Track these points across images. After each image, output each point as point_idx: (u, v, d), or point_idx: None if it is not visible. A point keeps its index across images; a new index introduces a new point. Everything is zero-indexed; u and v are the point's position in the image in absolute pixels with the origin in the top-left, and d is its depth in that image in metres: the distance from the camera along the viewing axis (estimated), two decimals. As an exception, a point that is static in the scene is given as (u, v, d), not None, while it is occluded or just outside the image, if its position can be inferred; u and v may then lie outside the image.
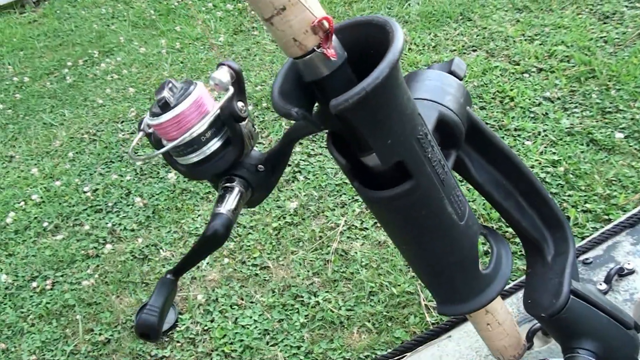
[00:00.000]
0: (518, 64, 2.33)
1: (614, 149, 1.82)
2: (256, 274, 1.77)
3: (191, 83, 0.59)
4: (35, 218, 2.26)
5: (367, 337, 1.51)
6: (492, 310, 0.76)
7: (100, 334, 1.71)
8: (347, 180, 1.90)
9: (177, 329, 1.66)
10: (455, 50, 2.54)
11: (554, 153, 1.87)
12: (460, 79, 0.71)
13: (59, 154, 2.65)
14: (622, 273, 1.02)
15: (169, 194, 2.18)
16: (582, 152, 1.84)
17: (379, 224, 1.76)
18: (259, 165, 0.63)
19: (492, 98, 2.18)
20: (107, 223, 2.13)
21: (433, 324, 1.47)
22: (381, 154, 0.56)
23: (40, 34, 4.01)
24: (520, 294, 1.05)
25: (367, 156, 0.58)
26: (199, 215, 2.06)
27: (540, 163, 1.84)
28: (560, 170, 1.79)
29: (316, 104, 0.60)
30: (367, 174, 0.61)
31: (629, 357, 0.76)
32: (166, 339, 1.66)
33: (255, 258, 1.82)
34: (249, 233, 1.91)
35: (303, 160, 2.16)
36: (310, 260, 1.76)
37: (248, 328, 1.61)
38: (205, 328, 1.65)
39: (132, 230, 2.08)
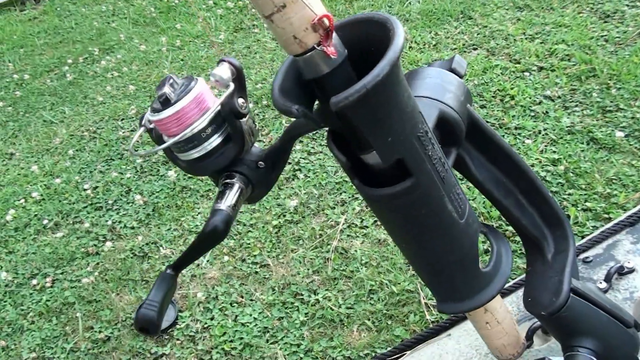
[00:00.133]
0: (519, 63, 2.33)
1: (614, 148, 1.82)
2: (256, 272, 1.77)
3: (192, 79, 0.59)
4: (35, 215, 2.26)
5: (367, 335, 1.51)
6: (491, 309, 0.76)
7: (100, 332, 1.72)
8: (347, 179, 1.90)
9: (177, 326, 1.66)
10: (455, 48, 2.54)
11: (555, 152, 1.86)
12: (461, 77, 0.71)
13: (59, 151, 2.65)
14: (622, 272, 1.02)
15: (169, 192, 2.18)
16: (583, 150, 1.84)
17: (379, 222, 1.76)
18: (259, 162, 0.63)
19: (493, 96, 2.18)
20: (107, 221, 2.13)
21: (433, 322, 1.47)
22: (381, 152, 0.56)
23: (41, 31, 4.01)
24: (520, 292, 1.05)
25: (367, 154, 0.58)
26: (199, 213, 2.06)
27: (540, 162, 1.84)
28: (560, 169, 1.78)
29: (316, 102, 0.60)
30: (367, 171, 0.61)
31: (629, 356, 0.77)
32: (166, 337, 1.66)
33: (255, 256, 1.82)
34: (249, 231, 1.91)
35: (303, 158, 2.15)
36: (310, 258, 1.76)
37: (248, 326, 1.61)
38: (205, 326, 1.65)
39: (132, 227, 2.08)
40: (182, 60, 3.12)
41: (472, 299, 0.68)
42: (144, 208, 2.14)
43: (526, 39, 2.45)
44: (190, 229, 2.00)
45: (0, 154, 2.75)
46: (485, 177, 0.72)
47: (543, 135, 1.95)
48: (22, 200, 2.35)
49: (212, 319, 1.66)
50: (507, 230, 1.61)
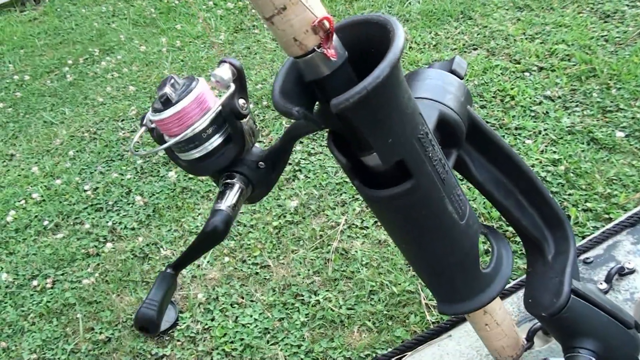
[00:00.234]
0: (519, 63, 2.33)
1: (614, 148, 1.82)
2: (257, 273, 1.77)
3: (193, 79, 0.59)
4: (36, 216, 2.26)
5: (367, 336, 1.51)
6: (490, 310, 0.76)
7: (100, 333, 1.72)
8: (347, 179, 1.90)
9: (178, 327, 1.66)
10: (456, 48, 2.54)
11: (555, 152, 1.86)
12: (461, 78, 0.71)
13: (59, 152, 2.65)
14: (623, 272, 1.02)
15: (170, 193, 2.18)
16: (583, 151, 1.84)
17: (379, 223, 1.76)
18: (260, 162, 0.63)
19: (493, 97, 2.18)
20: (107, 222, 2.13)
21: (433, 322, 1.47)
22: (382, 154, 0.56)
23: (41, 32, 4.01)
24: (520, 293, 1.05)
25: (368, 156, 0.58)
26: (199, 214, 2.06)
27: (540, 162, 1.84)
28: (560, 169, 1.78)
29: (317, 103, 0.60)
30: (367, 173, 0.61)
31: (629, 357, 0.77)
32: (167, 338, 1.66)
33: (255, 257, 1.82)
34: (250, 232, 1.91)
35: (303, 158, 2.15)
36: (311, 259, 1.76)
37: (248, 327, 1.61)
38: (206, 327, 1.65)
39: (133, 228, 2.08)
40: (182, 61, 3.12)
41: (472, 300, 0.68)
42: (144, 209, 2.14)
43: (526, 39, 2.45)
44: (191, 230, 2.00)
45: (0, 155, 2.75)
46: (485, 178, 0.72)
47: (543, 135, 1.95)
48: (23, 202, 2.35)
49: (212, 320, 1.66)
50: (507, 230, 1.61)
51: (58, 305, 1.84)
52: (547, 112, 2.04)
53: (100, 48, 3.53)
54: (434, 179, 0.59)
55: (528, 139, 1.94)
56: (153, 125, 0.60)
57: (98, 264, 1.96)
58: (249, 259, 1.82)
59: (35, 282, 1.95)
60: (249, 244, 1.86)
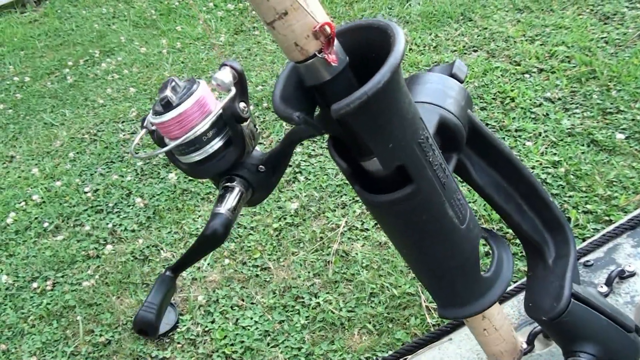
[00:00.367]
0: (519, 65, 2.33)
1: (614, 150, 1.82)
2: (257, 275, 1.77)
3: (194, 82, 0.59)
4: (36, 218, 2.26)
5: (367, 338, 1.51)
6: (489, 315, 0.76)
7: (100, 335, 1.71)
8: (347, 181, 1.90)
9: (178, 330, 1.66)
10: (456, 50, 2.54)
11: (555, 154, 1.87)
12: (462, 82, 0.71)
13: (59, 154, 2.65)
14: (623, 275, 1.02)
15: (170, 195, 2.18)
16: (583, 152, 1.84)
17: (379, 226, 1.76)
18: (260, 166, 0.63)
19: (493, 99, 2.18)
20: (107, 224, 2.13)
21: (434, 325, 1.47)
22: (382, 159, 0.56)
23: (41, 33, 4.01)
24: (521, 296, 1.05)
25: (368, 161, 0.58)
26: (199, 216, 2.06)
27: (541, 164, 1.84)
28: (561, 171, 1.78)
29: (317, 107, 0.60)
30: (368, 177, 0.61)
31: (630, 360, 0.77)
32: (167, 340, 1.66)
33: (256, 259, 1.82)
34: (250, 234, 1.91)
35: (304, 160, 2.15)
36: (311, 261, 1.76)
37: (249, 329, 1.61)
38: (206, 329, 1.65)
39: (133, 230, 2.08)
40: (182, 62, 3.12)
41: (473, 305, 0.68)
42: (144, 211, 2.14)
43: (526, 40, 2.45)
44: (191, 232, 2.00)
45: (0, 156, 2.75)
46: (486, 182, 0.72)
47: (543, 137, 1.95)
48: (23, 203, 2.35)
49: (212, 322, 1.66)
50: (507, 232, 1.61)
51: (58, 307, 1.84)
52: (547, 114, 2.04)
53: (101, 49, 3.53)
54: (434, 184, 0.59)
55: (528, 140, 1.95)
56: (154, 128, 0.60)
57: (98, 266, 1.96)
58: (249, 261, 1.82)
59: (35, 284, 1.94)
60: (249, 246, 1.86)
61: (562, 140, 1.91)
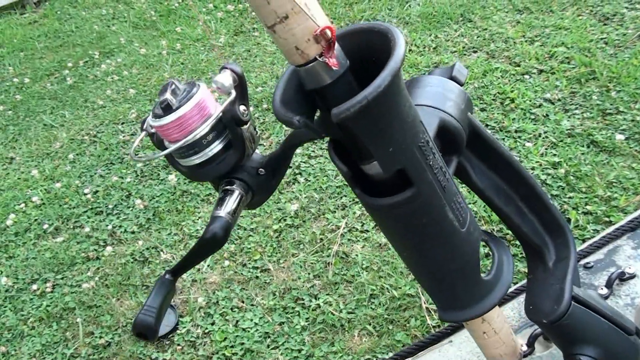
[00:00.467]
0: (518, 65, 2.33)
1: (614, 151, 1.82)
2: (257, 277, 1.77)
3: (194, 85, 0.59)
4: (36, 220, 2.26)
5: (368, 340, 1.50)
6: (488, 318, 0.75)
7: (100, 337, 1.71)
8: (348, 185, 1.90)
9: (178, 331, 1.66)
10: (455, 51, 2.54)
11: (555, 155, 1.87)
12: (462, 85, 0.71)
13: (59, 155, 2.65)
14: (623, 277, 1.02)
15: (170, 196, 2.18)
16: (583, 153, 1.84)
17: (379, 227, 1.76)
18: (260, 169, 0.63)
19: (493, 99, 2.18)
20: (107, 225, 2.13)
21: (434, 326, 1.47)
22: (383, 162, 0.55)
23: (41, 34, 4.01)
24: (521, 298, 1.05)
25: (368, 164, 0.58)
26: (199, 218, 2.06)
27: (541, 165, 1.84)
28: (560, 172, 1.78)
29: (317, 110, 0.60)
30: (368, 181, 0.61)
31: (631, 363, 0.76)
32: (167, 342, 1.65)
33: (255, 260, 1.81)
34: (250, 235, 1.91)
35: (304, 162, 2.15)
36: (311, 263, 1.76)
37: (249, 331, 1.61)
38: (206, 331, 1.65)
39: (133, 232, 2.07)
40: (182, 63, 3.12)
41: (473, 308, 0.68)
42: (144, 212, 2.14)
43: (526, 41, 2.45)
44: (191, 234, 2.00)
45: (0, 158, 2.75)
46: (486, 185, 0.72)
47: (543, 138, 1.95)
48: (23, 205, 2.35)
49: (212, 324, 1.66)
50: (507, 233, 1.61)
51: (58, 309, 1.84)
52: (547, 115, 2.04)
53: (101, 51, 3.53)
54: (434, 187, 0.59)
55: (528, 141, 1.95)
56: (153, 131, 0.60)
57: (98, 268, 1.96)
58: (249, 263, 1.81)
59: (35, 286, 1.94)
60: (249, 248, 1.86)
61: (562, 141, 1.91)
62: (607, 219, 1.61)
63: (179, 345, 1.63)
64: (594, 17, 2.49)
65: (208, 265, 1.84)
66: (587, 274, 1.05)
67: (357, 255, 1.72)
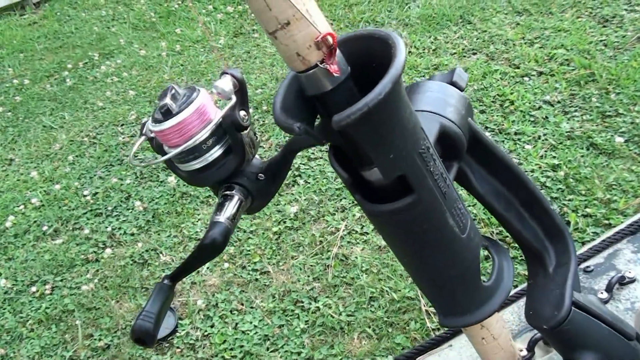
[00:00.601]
0: (518, 68, 2.33)
1: (614, 153, 1.82)
2: (256, 279, 1.76)
3: (194, 89, 0.59)
4: (35, 222, 2.25)
5: (367, 342, 1.50)
6: (487, 324, 0.75)
7: (99, 340, 1.71)
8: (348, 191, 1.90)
9: (177, 334, 1.66)
10: (455, 53, 2.54)
11: (554, 157, 1.87)
12: (462, 90, 0.71)
13: (58, 157, 2.64)
14: (623, 281, 1.02)
15: (169, 198, 2.18)
16: (582, 156, 1.84)
17: (379, 229, 1.76)
18: (260, 174, 0.63)
19: (492, 102, 2.18)
20: (106, 227, 2.13)
21: (434, 329, 1.47)
22: (383, 169, 0.55)
23: (41, 36, 4.01)
24: (521, 302, 1.05)
25: (369, 171, 0.58)
26: (199, 219, 2.06)
27: (540, 167, 1.84)
28: (560, 175, 1.78)
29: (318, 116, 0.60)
30: (368, 187, 0.61)
31: (631, 368, 0.76)
32: (166, 345, 1.65)
33: (255, 263, 1.81)
34: (249, 238, 1.91)
35: (303, 164, 2.15)
36: (311, 265, 1.75)
37: (248, 334, 1.61)
38: (205, 333, 1.65)
39: (132, 234, 2.07)
40: (182, 65, 3.12)
41: (473, 313, 0.68)
42: (143, 214, 2.14)
43: (525, 43, 2.46)
44: (191, 236, 2.00)
45: (-1, 159, 2.75)
46: (486, 190, 0.72)
47: (543, 140, 1.95)
48: (22, 207, 2.35)
49: (212, 326, 1.66)
50: (506, 237, 1.61)
51: (57, 311, 1.84)
52: (546, 117, 2.04)
53: (100, 52, 3.53)
54: (435, 194, 0.59)
55: (527, 144, 1.95)
56: (153, 135, 0.60)
57: (97, 270, 1.96)
58: (249, 265, 1.81)
59: (34, 288, 1.94)
60: (249, 250, 1.86)
61: (561, 143, 1.91)
62: (606, 221, 1.61)
63: (178, 347, 1.63)
64: (593, 19, 2.49)
65: (207, 268, 1.84)
66: (587, 278, 1.05)
67: (356, 257, 1.72)
